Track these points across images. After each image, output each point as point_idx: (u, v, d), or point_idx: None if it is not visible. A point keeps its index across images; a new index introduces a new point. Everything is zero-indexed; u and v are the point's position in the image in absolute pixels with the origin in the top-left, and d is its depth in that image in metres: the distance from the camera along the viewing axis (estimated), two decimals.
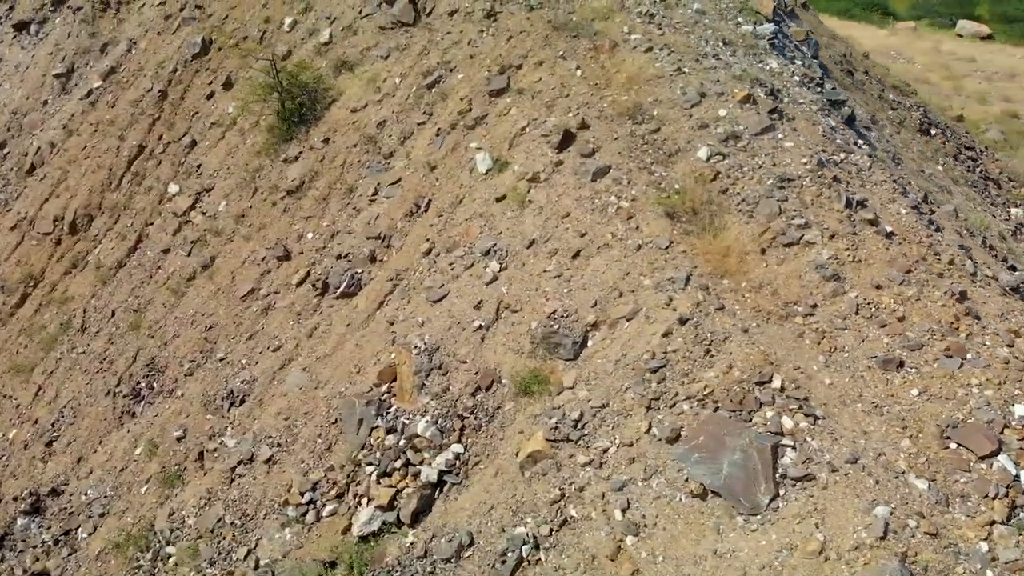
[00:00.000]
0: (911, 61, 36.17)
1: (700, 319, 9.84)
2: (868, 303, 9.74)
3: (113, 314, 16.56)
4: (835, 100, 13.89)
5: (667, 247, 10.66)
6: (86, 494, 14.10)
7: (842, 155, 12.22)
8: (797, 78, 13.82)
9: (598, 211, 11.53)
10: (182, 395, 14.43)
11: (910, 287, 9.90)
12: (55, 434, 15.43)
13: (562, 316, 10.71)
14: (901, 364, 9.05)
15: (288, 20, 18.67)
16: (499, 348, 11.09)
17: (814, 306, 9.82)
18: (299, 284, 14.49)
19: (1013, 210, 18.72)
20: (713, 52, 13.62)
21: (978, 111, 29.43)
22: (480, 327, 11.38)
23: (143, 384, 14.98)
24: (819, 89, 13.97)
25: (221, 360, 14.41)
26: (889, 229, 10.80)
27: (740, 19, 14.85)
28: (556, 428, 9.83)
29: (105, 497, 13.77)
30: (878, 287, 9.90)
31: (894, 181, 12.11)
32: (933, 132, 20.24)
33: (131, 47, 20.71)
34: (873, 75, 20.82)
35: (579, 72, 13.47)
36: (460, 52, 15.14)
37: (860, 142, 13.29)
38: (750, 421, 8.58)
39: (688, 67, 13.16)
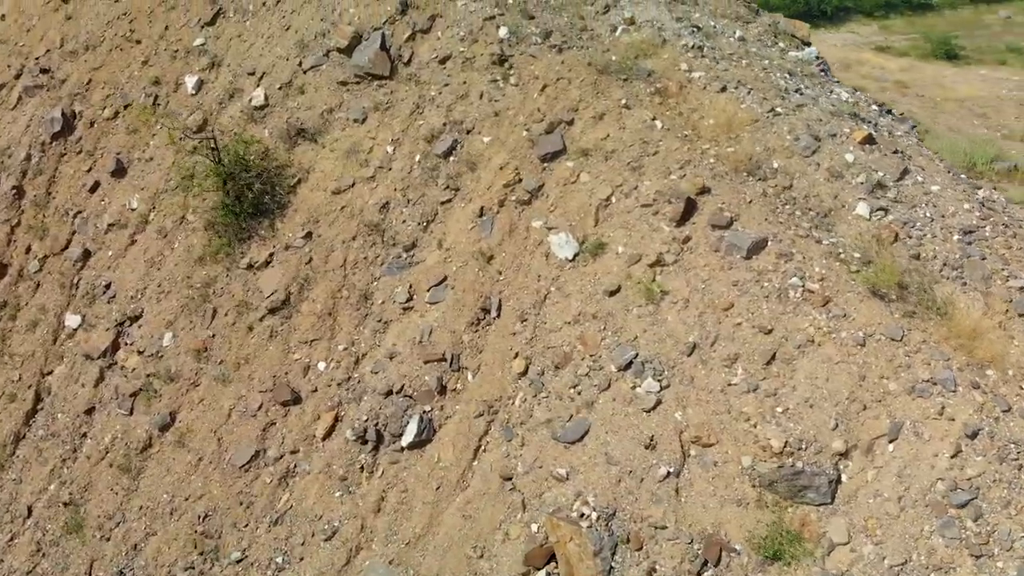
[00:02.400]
0: None
1: (991, 427, 7.90)
2: None
3: (30, 512, 11.69)
4: (911, 126, 12.64)
5: (902, 338, 8.61)
6: None
7: (979, 192, 10.89)
8: (875, 107, 12.39)
9: (775, 297, 9.24)
10: None
11: None
12: None
13: (798, 447, 8.30)
14: None
15: (190, 80, 14.46)
16: (708, 501, 8.47)
17: None
18: (327, 436, 10.82)
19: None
20: (791, 86, 11.81)
21: None
22: (668, 474, 8.68)
23: None
24: (891, 115, 12.65)
25: (239, 562, 10.39)
26: None
27: (781, 44, 13.21)
28: None
29: None
30: None
31: None
32: None
33: None
34: None
35: (658, 123, 11.08)
36: (474, 109, 12.15)
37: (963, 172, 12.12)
38: None
39: (779, 106, 11.24)
